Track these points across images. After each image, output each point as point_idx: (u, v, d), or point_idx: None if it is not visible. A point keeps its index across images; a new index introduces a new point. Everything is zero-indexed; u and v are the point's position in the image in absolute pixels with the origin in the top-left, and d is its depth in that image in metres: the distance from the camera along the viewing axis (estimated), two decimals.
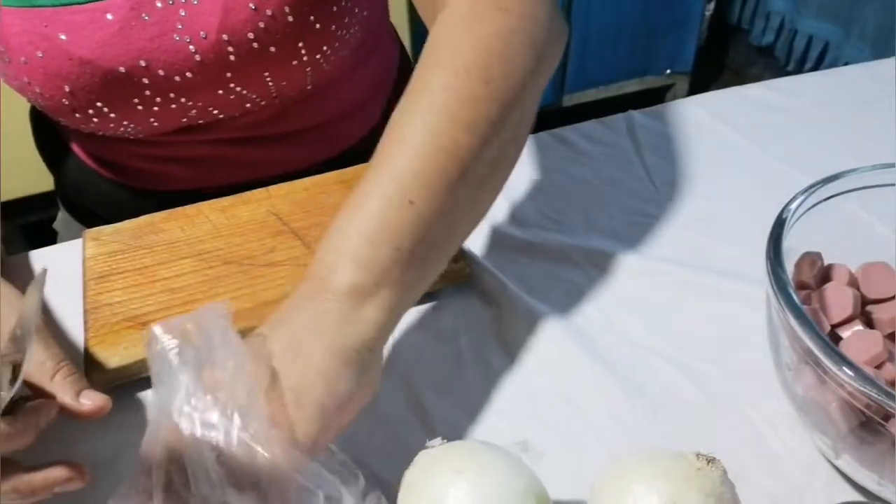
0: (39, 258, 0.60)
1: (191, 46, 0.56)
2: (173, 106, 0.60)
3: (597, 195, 0.66)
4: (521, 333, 0.54)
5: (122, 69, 0.56)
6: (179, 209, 0.59)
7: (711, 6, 2.06)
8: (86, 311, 0.52)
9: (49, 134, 0.75)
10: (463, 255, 0.56)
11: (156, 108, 0.60)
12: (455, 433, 0.47)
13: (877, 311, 0.48)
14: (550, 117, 1.24)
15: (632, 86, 1.99)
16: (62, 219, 0.80)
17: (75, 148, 0.72)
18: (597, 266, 0.59)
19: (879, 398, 0.37)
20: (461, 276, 0.56)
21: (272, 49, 0.58)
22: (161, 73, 0.57)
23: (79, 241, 0.60)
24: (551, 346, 0.53)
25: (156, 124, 0.62)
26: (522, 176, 0.68)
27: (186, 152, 0.68)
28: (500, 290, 0.56)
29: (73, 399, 0.43)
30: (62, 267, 0.58)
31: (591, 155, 0.70)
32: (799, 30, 1.95)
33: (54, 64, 0.55)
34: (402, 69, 0.80)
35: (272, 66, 0.59)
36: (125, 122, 0.60)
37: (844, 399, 0.39)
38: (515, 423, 0.48)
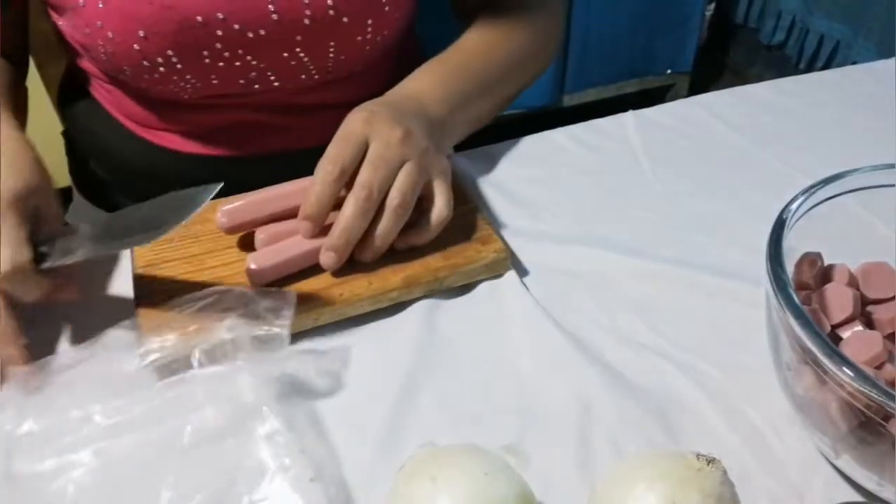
0: None
1: (270, 5, 0.59)
2: (237, 63, 0.62)
3: (597, 195, 0.66)
4: (522, 333, 0.54)
5: (199, 18, 0.58)
6: (224, 199, 0.60)
7: (712, 6, 2.06)
8: (137, 298, 0.52)
9: (84, 111, 0.75)
10: (503, 245, 0.57)
11: (221, 64, 0.62)
12: (452, 434, 0.47)
13: (877, 311, 0.48)
14: (550, 117, 1.24)
15: (632, 86, 1.99)
16: (75, 207, 0.81)
17: (115, 113, 0.72)
18: (597, 266, 0.59)
19: (879, 398, 0.37)
20: (504, 266, 0.57)
21: (345, 19, 0.62)
22: (237, 27, 0.59)
23: None
24: (552, 345, 0.53)
25: (215, 82, 0.63)
26: (522, 176, 0.68)
27: (226, 117, 0.69)
28: (500, 290, 0.56)
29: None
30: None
31: (591, 155, 0.70)
32: (810, 29, 1.95)
33: (133, 6, 0.57)
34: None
35: (339, 38, 0.63)
36: (187, 76, 0.62)
37: (844, 399, 0.39)
38: (515, 423, 0.48)
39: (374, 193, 0.52)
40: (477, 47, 0.68)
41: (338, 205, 0.54)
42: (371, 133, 0.54)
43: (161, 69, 0.60)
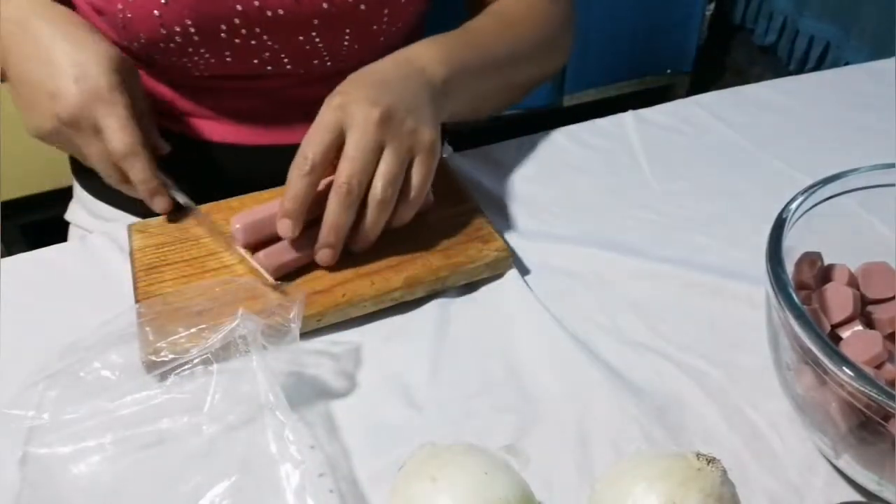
0: (39, 258, 0.60)
1: None
2: (253, 42, 0.63)
3: (597, 195, 0.66)
4: (523, 332, 0.54)
5: None
6: (224, 202, 0.60)
7: (712, 6, 2.06)
8: (138, 303, 0.52)
9: None
10: (505, 244, 0.57)
11: (237, 41, 0.62)
12: (452, 434, 0.47)
13: (877, 311, 0.48)
14: (550, 117, 1.24)
15: (632, 86, 1.99)
16: (75, 206, 0.80)
17: None
18: (597, 266, 0.59)
19: (879, 398, 0.37)
20: (505, 265, 0.57)
21: (362, 7, 0.62)
22: (256, 3, 0.60)
23: (79, 239, 0.60)
24: (553, 345, 0.53)
25: (229, 59, 0.64)
26: (523, 176, 0.68)
27: (233, 104, 0.69)
28: (502, 289, 0.56)
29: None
30: (65, 266, 0.58)
31: (591, 155, 0.70)
32: (800, 30, 1.95)
33: None
34: None
35: (355, 25, 0.64)
36: (202, 50, 0.62)
37: (844, 399, 0.39)
38: (515, 422, 0.48)
39: (355, 189, 0.51)
40: (484, 27, 0.66)
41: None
42: (346, 119, 0.52)
43: (177, 39, 0.61)
